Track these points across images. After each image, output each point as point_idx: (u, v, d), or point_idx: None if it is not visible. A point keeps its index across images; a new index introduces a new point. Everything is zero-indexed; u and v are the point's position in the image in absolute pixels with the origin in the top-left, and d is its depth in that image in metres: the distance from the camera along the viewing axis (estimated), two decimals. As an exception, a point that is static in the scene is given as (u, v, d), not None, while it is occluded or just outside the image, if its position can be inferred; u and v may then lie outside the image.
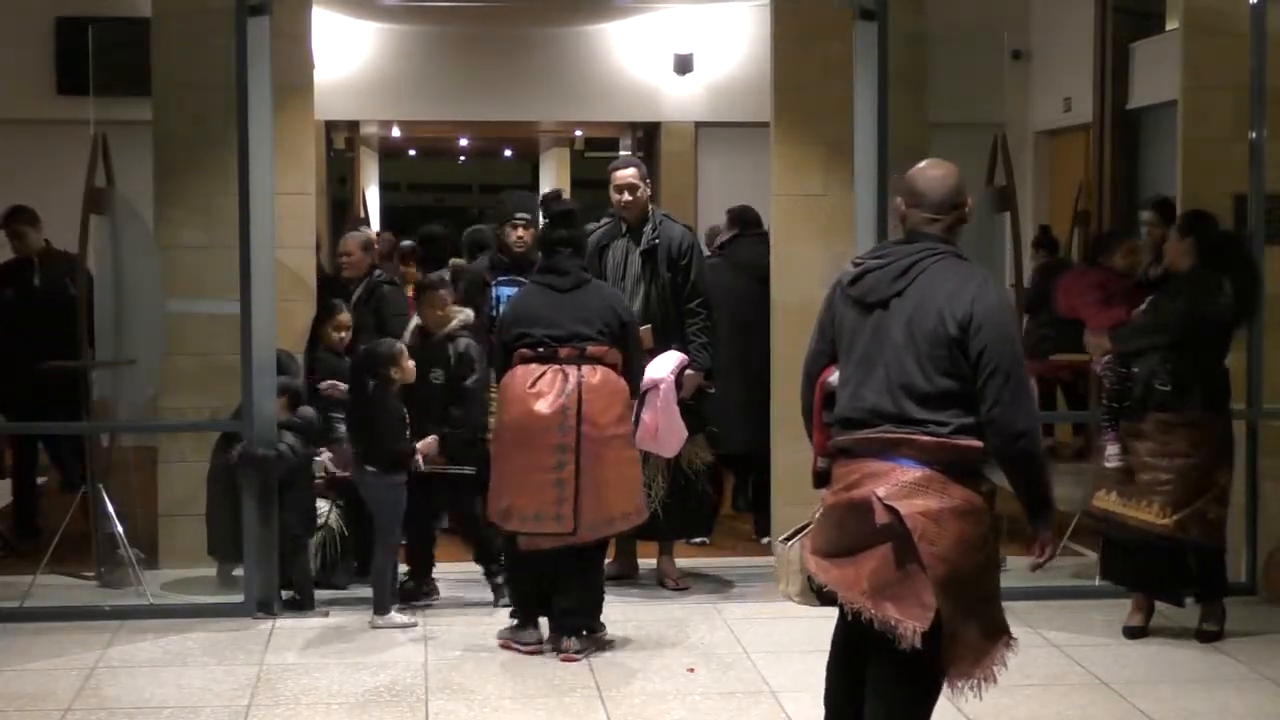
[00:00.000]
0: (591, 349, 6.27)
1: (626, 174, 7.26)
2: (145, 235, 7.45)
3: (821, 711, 5.64)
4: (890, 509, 4.06)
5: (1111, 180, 10.65)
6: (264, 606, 6.85)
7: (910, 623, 4.03)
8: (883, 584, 4.09)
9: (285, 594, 6.96)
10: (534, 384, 6.23)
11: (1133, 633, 6.56)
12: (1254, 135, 7.24)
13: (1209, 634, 6.51)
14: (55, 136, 10.04)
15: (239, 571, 7.05)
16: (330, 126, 13.09)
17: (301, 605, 6.93)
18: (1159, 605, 6.63)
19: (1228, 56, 7.44)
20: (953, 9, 8.71)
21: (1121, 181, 10.57)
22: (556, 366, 6.25)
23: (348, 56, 12.03)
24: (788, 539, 4.52)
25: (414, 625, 6.68)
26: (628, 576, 7.45)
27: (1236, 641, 6.50)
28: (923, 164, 4.40)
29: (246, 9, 6.76)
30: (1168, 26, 10.20)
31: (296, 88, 7.76)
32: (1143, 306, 6.60)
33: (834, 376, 4.38)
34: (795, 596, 4.50)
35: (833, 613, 6.92)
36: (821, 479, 4.40)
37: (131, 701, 5.77)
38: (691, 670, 6.10)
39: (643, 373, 6.61)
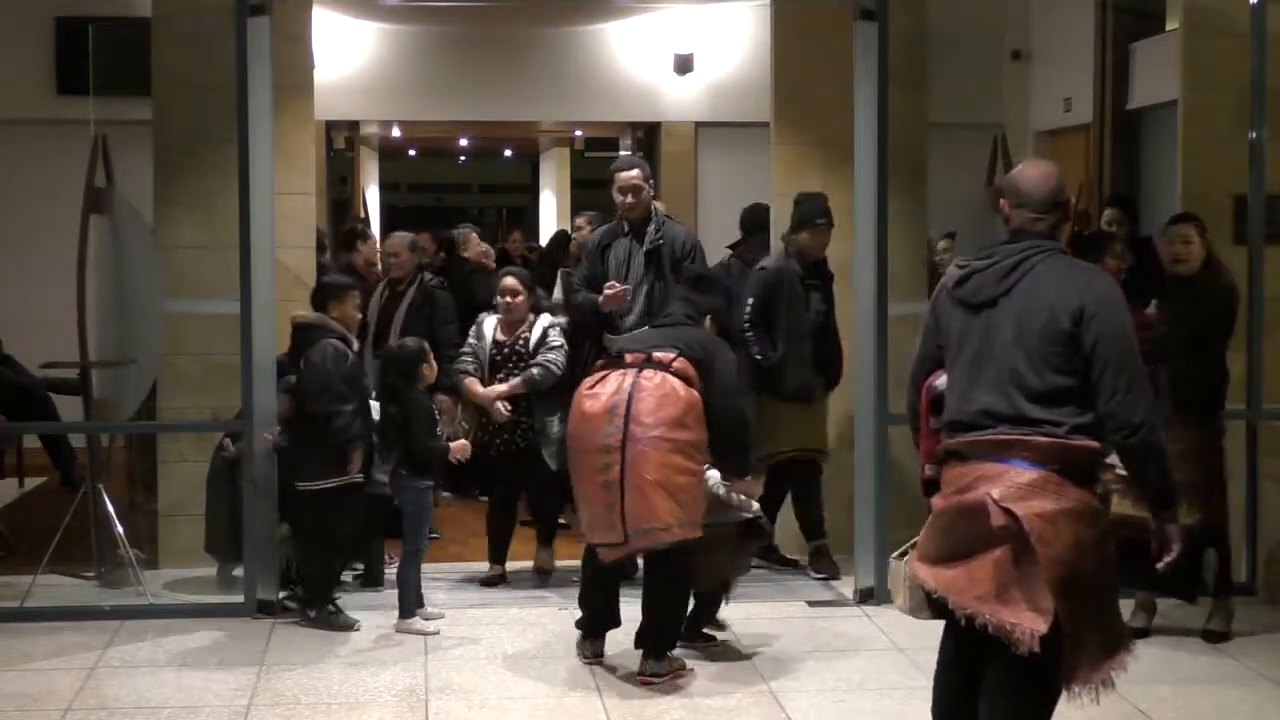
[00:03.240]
0: (658, 355, 6.03)
1: (630, 175, 7.23)
2: (145, 235, 7.45)
3: (821, 712, 5.66)
4: (1007, 511, 4.00)
5: (1111, 181, 10.63)
6: (264, 607, 6.85)
7: (1027, 626, 3.97)
8: (998, 587, 4.02)
9: (282, 594, 6.96)
10: (593, 386, 6.05)
11: (1134, 633, 6.54)
12: (1254, 135, 7.24)
13: (1217, 634, 6.51)
14: (55, 136, 10.03)
15: (239, 571, 7.05)
16: (330, 126, 13.07)
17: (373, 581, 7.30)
18: (1160, 605, 6.63)
19: (1228, 57, 7.44)
20: (953, 9, 8.70)
21: (1121, 182, 10.55)
22: (620, 370, 6.05)
23: (348, 56, 12.03)
24: (900, 555, 4.43)
25: (436, 634, 6.63)
26: (626, 576, 7.42)
27: (1237, 642, 6.49)
28: (1023, 164, 4.41)
29: (247, 9, 6.76)
30: (1168, 27, 10.19)
31: (297, 88, 7.77)
32: (1153, 308, 6.59)
33: (939, 381, 4.32)
34: (908, 611, 4.42)
35: (830, 614, 6.89)
36: (930, 487, 4.33)
37: (131, 701, 5.77)
38: (691, 670, 6.09)
39: (730, 412, 6.08)
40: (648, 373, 5.95)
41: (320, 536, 6.76)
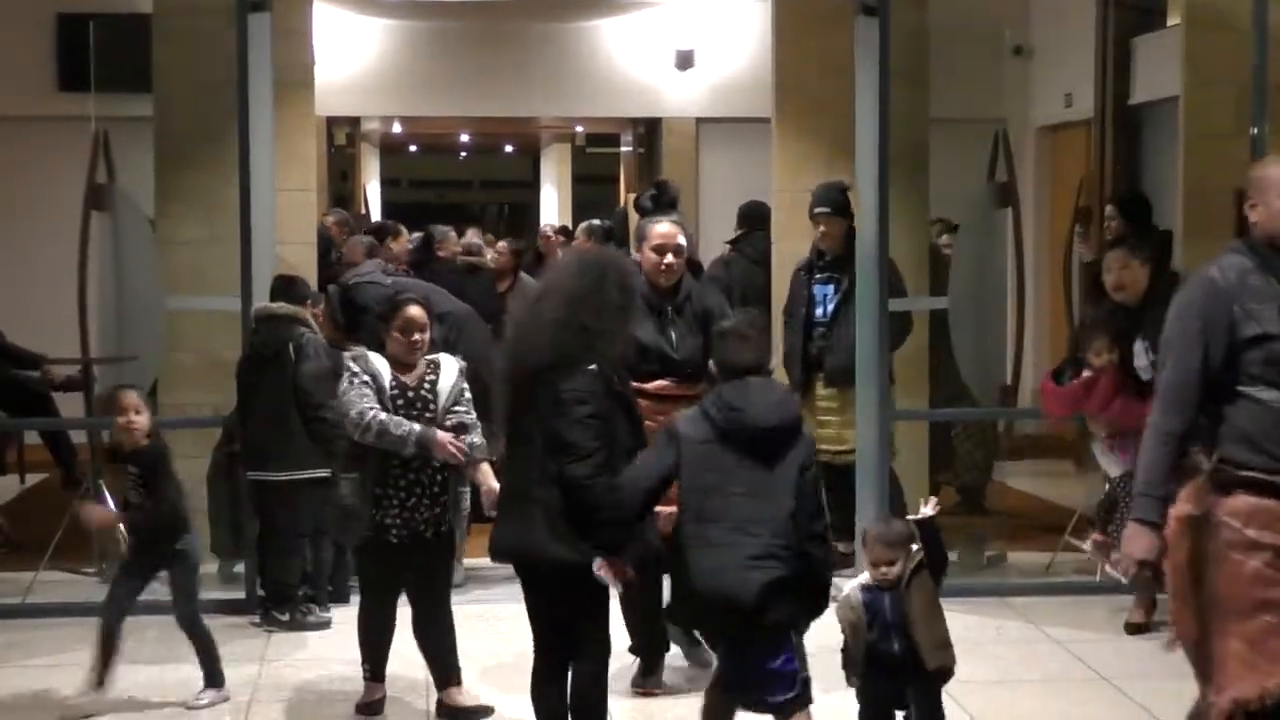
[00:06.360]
0: None
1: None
2: (146, 231, 7.45)
3: (821, 712, 5.66)
4: None
5: (1113, 176, 10.62)
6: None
7: None
8: None
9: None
10: None
11: (1135, 628, 6.55)
12: (1255, 130, 7.22)
13: None
14: (56, 133, 10.03)
15: (240, 568, 7.05)
16: (331, 122, 13.09)
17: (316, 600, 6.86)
18: (1160, 601, 6.63)
19: (1229, 52, 7.43)
20: (954, 4, 8.70)
21: (1123, 177, 10.54)
22: None
23: (349, 52, 12.03)
24: None
25: None
26: None
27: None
28: None
29: (247, 5, 6.77)
30: (1169, 22, 10.17)
31: (297, 83, 7.77)
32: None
33: None
34: None
35: (830, 614, 6.90)
36: None
37: (133, 698, 5.76)
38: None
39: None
40: None
41: (287, 531, 6.71)
